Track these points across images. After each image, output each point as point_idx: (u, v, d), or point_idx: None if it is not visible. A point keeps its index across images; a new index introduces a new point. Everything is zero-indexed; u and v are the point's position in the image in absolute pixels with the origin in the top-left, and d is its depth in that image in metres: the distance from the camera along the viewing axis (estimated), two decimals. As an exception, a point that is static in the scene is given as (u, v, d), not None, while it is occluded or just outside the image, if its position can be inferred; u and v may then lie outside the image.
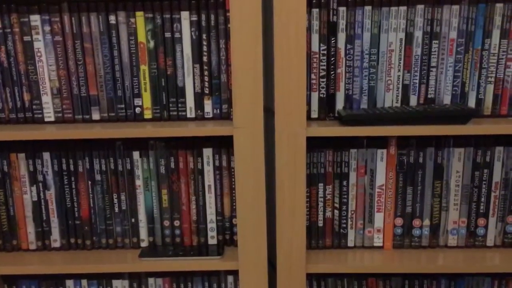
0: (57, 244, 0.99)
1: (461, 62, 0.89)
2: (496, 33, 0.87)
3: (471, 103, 0.91)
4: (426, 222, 0.96)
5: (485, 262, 0.92)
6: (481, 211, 0.95)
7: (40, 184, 0.96)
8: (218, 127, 0.88)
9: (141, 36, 0.89)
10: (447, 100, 0.91)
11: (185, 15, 0.88)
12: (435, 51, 0.88)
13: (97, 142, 0.94)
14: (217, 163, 0.95)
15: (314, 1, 0.86)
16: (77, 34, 0.89)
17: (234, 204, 0.97)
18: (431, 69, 0.89)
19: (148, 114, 0.93)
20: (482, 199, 0.94)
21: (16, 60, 0.90)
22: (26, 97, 0.92)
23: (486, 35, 0.87)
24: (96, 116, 0.93)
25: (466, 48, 0.88)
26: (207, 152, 0.94)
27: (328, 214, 0.96)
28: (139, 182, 0.96)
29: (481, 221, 0.95)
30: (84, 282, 1.01)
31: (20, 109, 0.93)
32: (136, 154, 0.95)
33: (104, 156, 0.95)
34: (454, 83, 0.90)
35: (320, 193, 0.95)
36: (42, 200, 0.97)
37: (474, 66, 0.89)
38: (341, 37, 0.88)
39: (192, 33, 0.89)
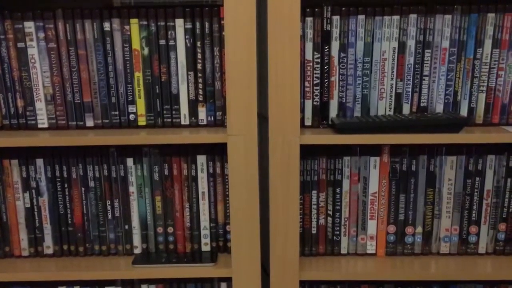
0: (50, 251, 0.99)
1: (453, 71, 0.90)
2: (488, 43, 0.88)
3: (463, 111, 0.91)
4: (419, 229, 0.96)
5: (477, 270, 0.93)
6: (473, 218, 0.95)
7: (33, 191, 0.96)
8: (212, 135, 0.88)
9: (136, 43, 0.90)
10: (439, 108, 0.91)
11: (179, 22, 0.89)
12: (427, 60, 0.89)
13: (90, 149, 0.94)
14: (211, 170, 0.95)
15: (308, 9, 0.87)
16: (71, 40, 0.89)
17: (227, 211, 0.97)
18: (423, 77, 0.90)
19: (142, 121, 0.93)
20: (474, 207, 0.95)
21: (10, 67, 0.90)
22: (20, 103, 0.92)
23: (478, 44, 0.88)
24: (90, 122, 0.93)
25: (458, 57, 0.89)
26: (201, 159, 0.94)
27: (321, 221, 0.96)
28: (132, 189, 0.96)
29: (473, 229, 0.96)
30: (76, 289, 1.00)
31: (13, 116, 0.93)
32: (130, 161, 0.95)
33: (98, 163, 0.95)
34: (446, 92, 0.91)
35: (314, 200, 0.95)
36: (35, 207, 0.97)
37: (466, 75, 0.90)
38: (335, 45, 0.89)
39: (187, 41, 0.89)
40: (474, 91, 0.90)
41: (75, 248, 0.99)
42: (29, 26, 0.88)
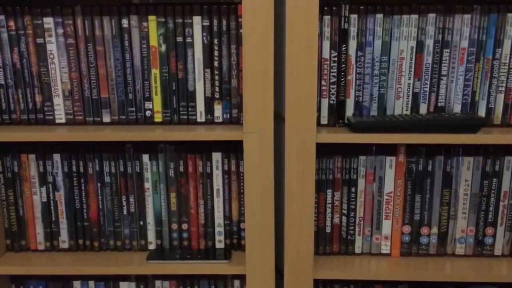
0: (65, 245, 0.99)
1: (471, 71, 0.89)
2: (507, 43, 0.87)
3: (481, 112, 0.91)
4: (434, 230, 0.96)
5: (493, 271, 0.92)
6: (489, 220, 0.94)
7: (50, 185, 0.97)
8: (227, 132, 0.88)
9: (153, 40, 0.90)
10: (457, 109, 0.91)
11: (197, 20, 0.89)
12: (446, 60, 0.89)
13: (107, 145, 0.95)
14: (226, 168, 0.95)
15: (325, 8, 0.87)
16: (89, 37, 0.90)
17: (242, 208, 0.97)
18: (441, 77, 0.89)
19: (158, 118, 0.94)
20: (491, 208, 0.94)
21: (28, 62, 0.91)
22: (38, 98, 0.93)
23: (497, 44, 0.88)
24: (106, 118, 0.94)
25: (477, 57, 0.88)
26: (216, 156, 0.95)
27: (336, 220, 0.96)
28: (148, 185, 0.96)
29: (489, 230, 0.95)
30: (91, 283, 1.01)
31: (31, 111, 0.94)
32: (145, 157, 0.95)
33: (114, 159, 0.95)
34: (464, 92, 0.90)
35: (328, 199, 0.95)
36: (52, 201, 0.97)
37: (485, 75, 0.89)
38: (352, 44, 0.89)
39: (204, 38, 0.90)
40: (493, 91, 0.90)
41: (90, 243, 0.99)
42: (48, 22, 0.89)
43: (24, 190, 0.97)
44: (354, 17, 0.87)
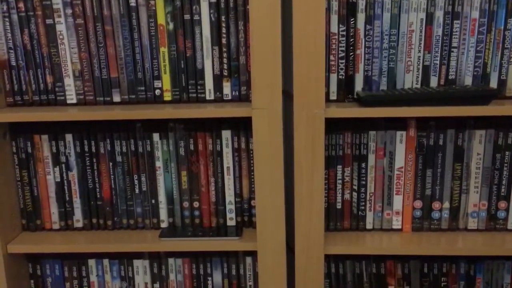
0: (79, 224, 1.01)
1: (483, 43, 0.88)
2: (519, 13, 0.86)
3: (493, 84, 0.89)
4: (446, 205, 0.95)
5: (506, 245, 0.91)
6: (502, 194, 0.93)
7: (63, 165, 0.98)
8: (236, 108, 0.88)
9: (161, 18, 0.90)
10: (468, 81, 0.89)
11: (204, -3, 0.89)
12: (456, 31, 0.87)
13: (118, 124, 0.96)
14: (235, 145, 0.96)
15: (333, -19, 0.86)
16: (98, 17, 0.90)
17: (252, 186, 0.97)
18: (452, 49, 0.88)
19: (167, 96, 0.94)
20: (503, 182, 0.93)
21: (39, 43, 0.92)
22: (49, 79, 0.94)
23: (509, 14, 0.86)
24: (116, 98, 0.94)
25: (488, 28, 0.87)
26: (226, 134, 0.95)
27: (347, 196, 0.96)
28: (159, 164, 0.97)
29: (502, 204, 0.94)
30: (105, 261, 1.03)
31: (43, 91, 0.95)
32: (156, 136, 0.96)
33: (125, 138, 0.96)
34: (475, 64, 0.89)
35: (339, 175, 0.95)
36: (65, 181, 0.99)
37: (496, 47, 0.88)
38: (361, 17, 0.88)
39: (211, 15, 0.89)
40: (505, 62, 0.88)
41: (104, 221, 1.01)
42: (57, 2, 0.90)
43: (38, 171, 0.99)
44: (362, -11, 0.86)
